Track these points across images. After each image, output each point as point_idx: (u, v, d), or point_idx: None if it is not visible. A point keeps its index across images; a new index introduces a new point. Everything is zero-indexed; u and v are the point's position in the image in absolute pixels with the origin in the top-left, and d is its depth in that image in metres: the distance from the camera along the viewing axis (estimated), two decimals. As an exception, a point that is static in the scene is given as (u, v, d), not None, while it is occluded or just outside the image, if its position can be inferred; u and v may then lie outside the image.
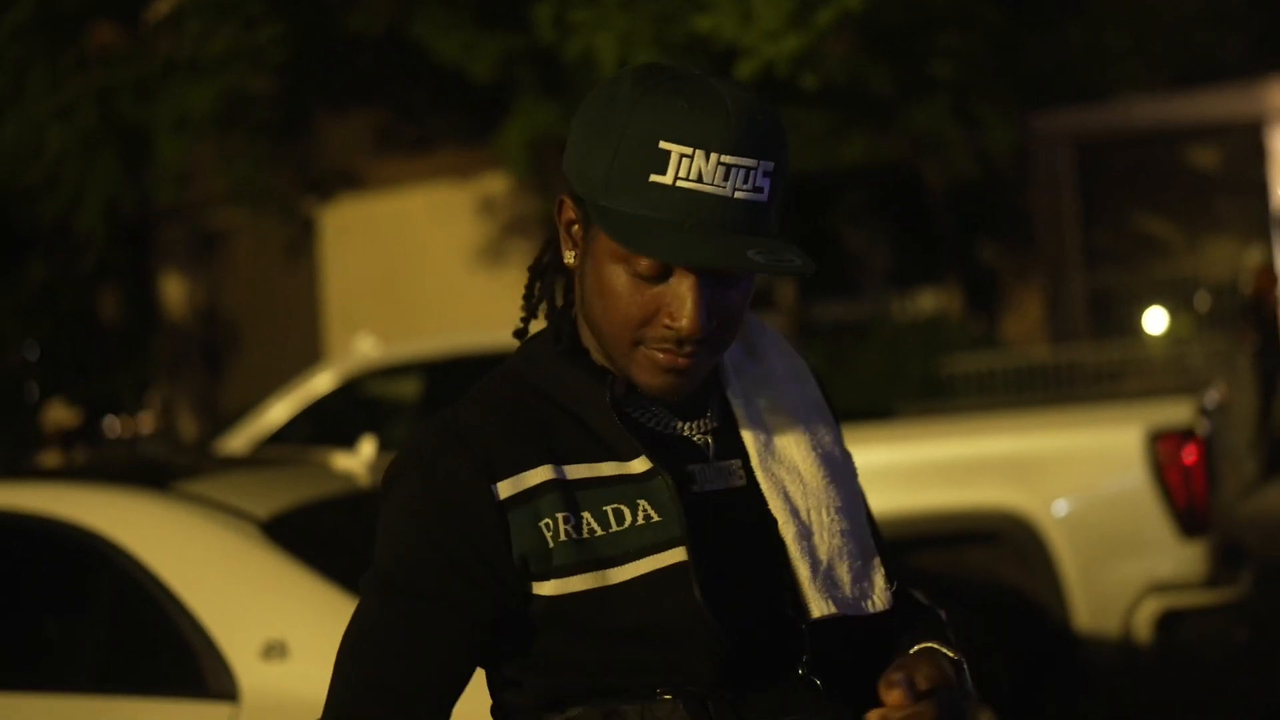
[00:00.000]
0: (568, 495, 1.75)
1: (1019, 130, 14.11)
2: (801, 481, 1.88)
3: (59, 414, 12.20)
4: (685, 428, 1.87)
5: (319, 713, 3.65)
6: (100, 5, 13.51)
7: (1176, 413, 6.47)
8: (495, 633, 1.78)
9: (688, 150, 1.66)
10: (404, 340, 8.27)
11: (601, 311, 1.77)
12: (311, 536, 3.99)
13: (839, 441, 1.98)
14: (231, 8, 12.64)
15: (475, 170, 16.87)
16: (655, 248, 1.67)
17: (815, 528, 1.86)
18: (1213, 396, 7.06)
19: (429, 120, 15.99)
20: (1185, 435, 6.36)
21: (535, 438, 1.78)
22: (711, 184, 1.66)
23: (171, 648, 3.79)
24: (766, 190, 1.70)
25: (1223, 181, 17.48)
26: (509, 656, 1.82)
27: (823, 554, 1.85)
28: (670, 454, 1.81)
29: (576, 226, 1.81)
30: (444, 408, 1.86)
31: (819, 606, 1.81)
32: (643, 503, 1.76)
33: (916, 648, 1.85)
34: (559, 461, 1.77)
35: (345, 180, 15.83)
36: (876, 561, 1.91)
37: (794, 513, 1.85)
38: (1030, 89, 13.44)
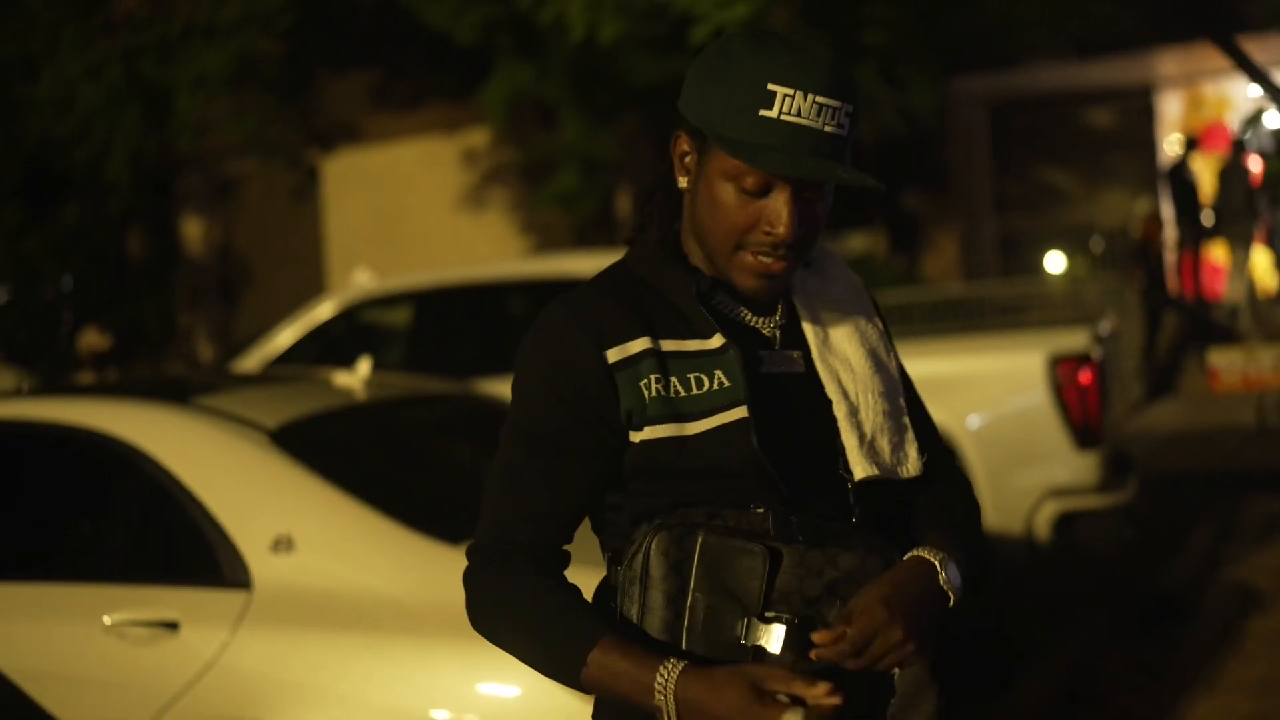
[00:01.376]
0: (660, 362, 1.95)
1: (939, 92, 14.09)
2: (852, 371, 2.06)
3: (93, 339, 12.13)
4: (757, 321, 2.04)
5: (324, 599, 3.65)
6: (126, -27, 13.37)
7: (1074, 340, 6.51)
8: (609, 470, 1.97)
9: (790, 91, 1.84)
10: (396, 273, 8.23)
11: (711, 222, 1.95)
12: (315, 444, 3.97)
13: (884, 339, 2.14)
14: (243, -23, 12.54)
15: (460, 124, 16.79)
16: (770, 161, 1.84)
17: (862, 408, 2.03)
18: (1105, 327, 7.11)
19: (419, 79, 15.91)
20: (1081, 360, 6.40)
21: (637, 317, 1.97)
22: (808, 119, 1.85)
23: (191, 542, 3.77)
24: (847, 127, 1.88)
25: (1116, 139, 17.52)
26: (623, 486, 1.99)
27: (867, 429, 2.03)
28: (743, 338, 1.99)
29: (689, 157, 1.98)
30: (565, 293, 2.03)
31: (863, 469, 1.99)
32: (718, 372, 1.95)
33: (908, 555, 1.98)
34: (655, 336, 1.96)
35: (345, 133, 15.74)
36: (910, 437, 2.08)
37: (844, 395, 2.03)
38: (950, 56, 13.41)
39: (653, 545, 1.90)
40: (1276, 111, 6.58)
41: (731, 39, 1.93)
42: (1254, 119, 6.66)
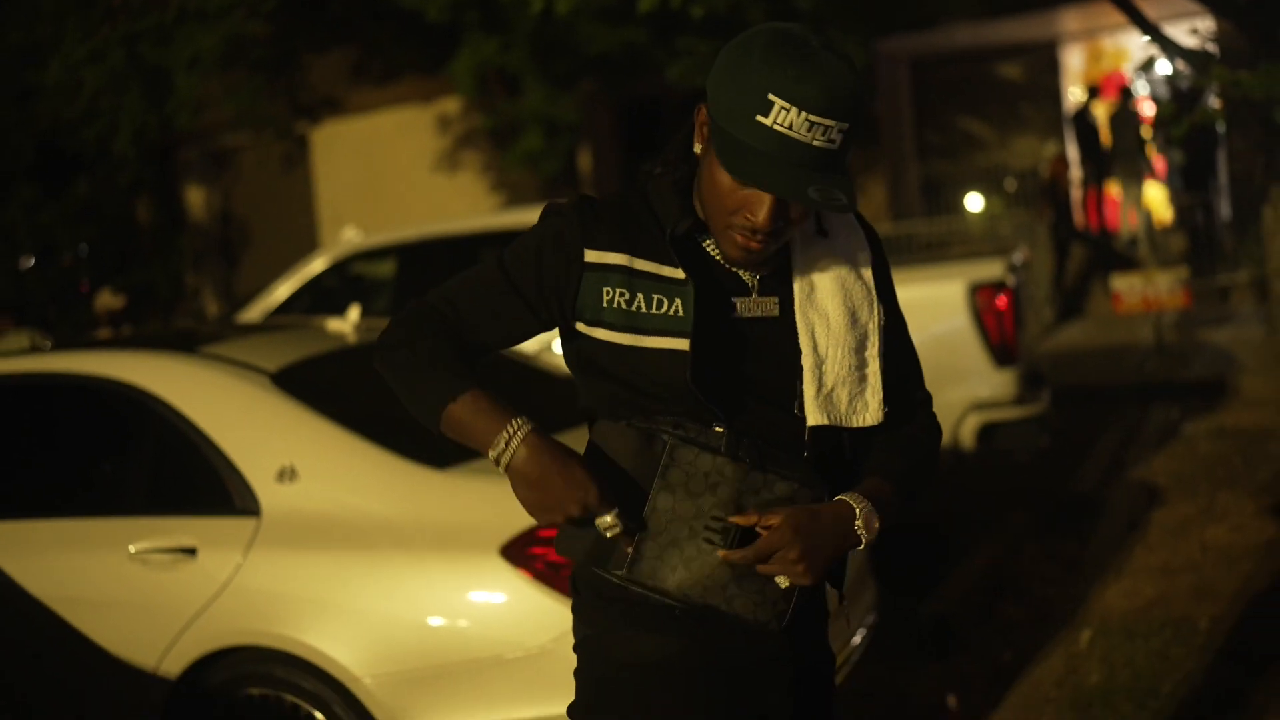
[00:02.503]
0: (630, 279, 2.00)
1: (866, 52, 14.03)
2: (828, 325, 2.05)
3: (107, 300, 12.05)
4: (741, 269, 2.05)
5: (326, 522, 3.65)
6: (122, -35, 13.13)
7: (990, 270, 6.53)
8: (538, 330, 2.07)
9: (786, 105, 1.82)
10: (381, 230, 8.18)
11: (708, 196, 1.97)
12: (312, 384, 3.97)
13: (869, 294, 2.11)
14: (230, -35, 12.34)
15: (433, 94, 16.65)
16: (741, 171, 1.86)
17: (828, 360, 2.04)
18: (1018, 257, 7.12)
19: (394, 55, 15.74)
20: (997, 287, 6.42)
21: (627, 235, 2.03)
22: (797, 133, 1.83)
23: (204, 476, 3.77)
24: (839, 143, 1.86)
25: (1025, 90, 17.50)
26: (583, 371, 2.06)
27: (829, 381, 2.04)
28: (720, 280, 2.04)
29: (706, 129, 1.98)
30: (587, 195, 2.11)
31: (815, 416, 2.02)
32: (678, 300, 1.99)
33: (836, 497, 2.01)
34: (635, 254, 2.01)
35: (329, 105, 15.57)
36: (873, 387, 2.08)
37: (814, 348, 2.04)
38: (875, 19, 13.34)
39: (629, 437, 1.98)
40: (1166, 61, 6.59)
41: (756, 37, 1.90)
42: (1146, 66, 6.67)
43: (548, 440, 1.93)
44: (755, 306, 2.04)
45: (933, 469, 2.19)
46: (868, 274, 2.12)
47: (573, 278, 2.00)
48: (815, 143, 1.83)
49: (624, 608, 2.03)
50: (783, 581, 1.96)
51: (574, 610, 2.13)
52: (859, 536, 1.99)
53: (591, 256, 2.00)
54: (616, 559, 1.95)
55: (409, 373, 2.00)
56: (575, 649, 2.13)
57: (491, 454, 1.93)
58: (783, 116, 1.82)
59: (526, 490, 1.92)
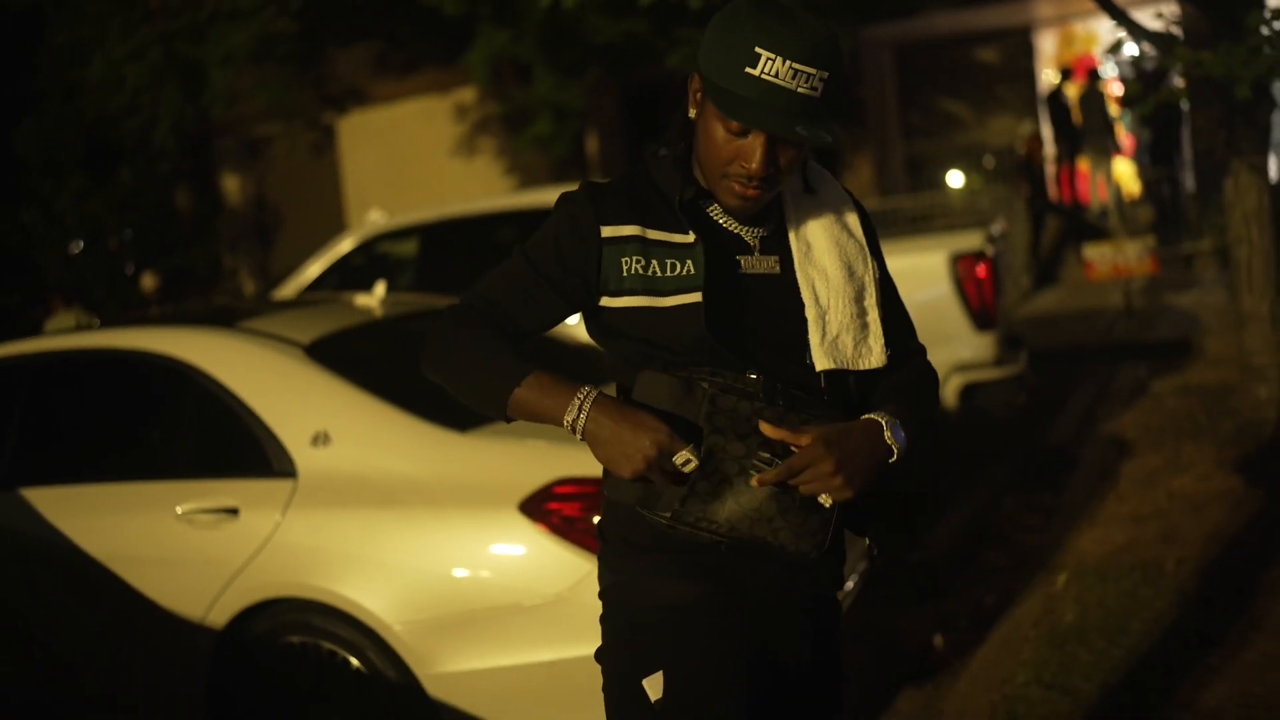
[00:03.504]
0: (644, 247, 2.02)
1: (854, 38, 13.97)
2: (827, 279, 2.08)
3: (148, 282, 12.07)
4: (740, 229, 2.08)
5: (357, 483, 3.66)
6: (159, -32, 13.11)
7: (971, 241, 6.51)
8: (567, 313, 2.07)
9: (772, 55, 1.87)
10: (404, 211, 8.17)
11: (704, 152, 2.01)
12: (342, 354, 3.97)
13: (862, 252, 2.15)
14: (259, -32, 12.31)
15: (451, 84, 16.60)
16: (739, 114, 1.90)
17: (830, 312, 2.07)
18: (997, 229, 7.11)
19: (414, 48, 15.68)
20: (977, 256, 6.41)
21: (636, 208, 2.04)
22: (783, 80, 1.88)
23: (244, 441, 3.79)
24: (820, 91, 1.91)
25: (1002, 73, 17.41)
26: (609, 340, 2.07)
27: (833, 329, 2.06)
28: (724, 242, 2.06)
29: (699, 94, 2.02)
30: (596, 178, 2.17)
31: (823, 361, 2.05)
32: (689, 261, 2.01)
33: (862, 416, 2.03)
34: (646, 226, 2.03)
35: (354, 96, 15.51)
36: (875, 334, 2.10)
37: (816, 300, 2.06)
38: (861, 7, 13.27)
39: (662, 383, 1.98)
40: (1133, 44, 6.55)
41: (742, 4, 1.95)
42: (1114, 49, 6.63)
43: (614, 400, 1.95)
44: (758, 264, 2.07)
45: (936, 405, 2.21)
46: (859, 232, 2.16)
47: (592, 254, 2.01)
48: (800, 89, 1.89)
49: (651, 556, 2.03)
50: (825, 500, 1.95)
51: (600, 558, 2.12)
52: (889, 447, 1.99)
53: (608, 231, 2.01)
54: (665, 502, 1.95)
55: (466, 369, 2.02)
56: (601, 595, 2.11)
57: (566, 421, 1.94)
58: (769, 66, 1.87)
59: (604, 448, 1.93)
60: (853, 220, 2.16)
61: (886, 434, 1.99)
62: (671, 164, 2.09)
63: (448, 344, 2.03)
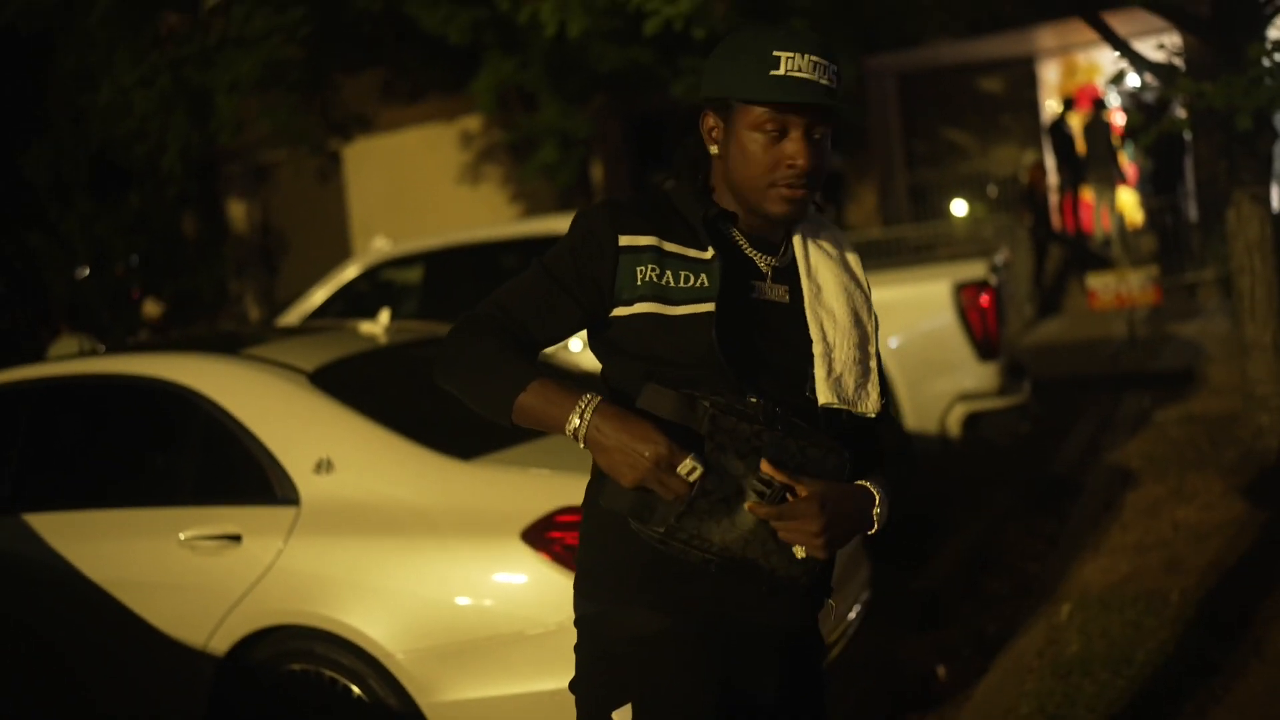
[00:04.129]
0: (660, 257, 2.04)
1: (857, 67, 14.01)
2: (835, 321, 2.12)
3: (150, 308, 12.07)
4: (756, 256, 2.12)
5: (360, 510, 3.66)
6: (168, -3, 13.21)
7: (974, 270, 6.53)
8: (581, 324, 2.08)
9: (791, 54, 1.98)
10: (409, 238, 8.18)
11: (745, 169, 2.04)
12: (346, 381, 3.97)
13: (867, 303, 2.20)
14: (267, -5, 12.40)
15: (456, 112, 16.66)
16: (786, 94, 1.97)
17: (836, 349, 2.10)
18: (1000, 258, 7.12)
19: (420, 75, 15.74)
20: (981, 286, 6.42)
21: (654, 222, 2.07)
22: (807, 73, 1.98)
23: (247, 468, 3.78)
24: (835, 83, 2.01)
25: (1005, 102, 17.47)
26: (613, 356, 2.08)
27: (838, 367, 2.09)
28: (739, 265, 2.09)
29: (716, 129, 2.08)
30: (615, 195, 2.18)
31: (825, 396, 2.07)
32: (703, 275, 2.03)
33: (859, 481, 2.06)
34: (663, 238, 2.05)
35: (359, 123, 15.56)
36: (874, 381, 2.15)
37: (824, 336, 2.09)
38: (865, 37, 13.32)
39: (668, 399, 1.97)
40: (1135, 74, 6.58)
41: (737, 31, 2.06)
42: (1117, 78, 6.65)
43: (617, 407, 1.94)
44: (770, 291, 2.10)
45: (912, 471, 2.25)
46: (865, 284, 2.21)
47: (608, 263, 2.03)
48: (823, 81, 1.99)
49: (625, 585, 2.03)
50: (799, 551, 1.96)
51: (575, 586, 2.12)
52: (873, 522, 2.04)
53: (625, 240, 2.03)
54: (660, 515, 1.94)
55: (473, 375, 2.02)
56: (575, 624, 2.12)
57: (568, 429, 1.93)
58: (791, 63, 1.97)
59: (606, 454, 1.92)
60: (859, 271, 2.21)
61: (877, 509, 2.05)
62: (690, 193, 2.11)
63: (458, 351, 2.03)
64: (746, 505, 1.94)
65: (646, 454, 1.88)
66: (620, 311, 2.03)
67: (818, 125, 2.02)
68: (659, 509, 1.94)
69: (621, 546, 2.02)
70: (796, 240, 2.15)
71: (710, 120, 2.08)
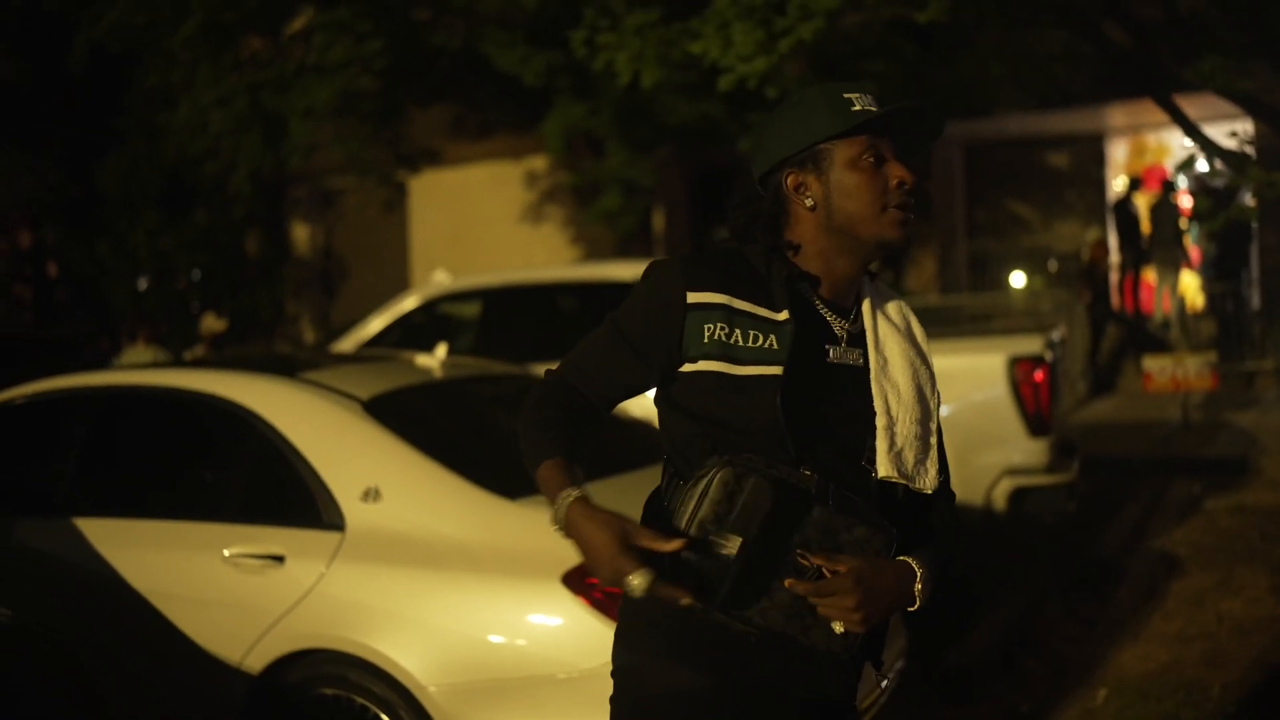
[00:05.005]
0: (730, 316, 2.03)
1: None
2: (899, 396, 2.10)
3: (211, 323, 12.18)
4: (832, 319, 2.12)
5: (404, 541, 3.67)
6: (251, 21, 13.40)
7: (1030, 345, 6.49)
8: (655, 380, 2.10)
9: (856, 95, 2.05)
10: (468, 274, 8.26)
11: (856, 204, 2.06)
12: (400, 412, 4.01)
13: (931, 381, 2.19)
14: (347, 26, 12.57)
15: (524, 151, 16.80)
16: (880, 115, 2.04)
17: (899, 425, 2.08)
18: (1056, 334, 7.08)
19: (490, 113, 15.92)
20: (1036, 361, 6.38)
21: (726, 280, 2.06)
22: (874, 107, 2.04)
23: (296, 490, 3.82)
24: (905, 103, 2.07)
25: (1071, 178, 17.40)
26: (673, 414, 2.09)
27: (899, 442, 2.08)
28: (815, 327, 2.08)
29: (805, 186, 2.09)
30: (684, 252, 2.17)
31: (885, 469, 2.05)
32: (773, 336, 2.02)
33: (901, 557, 2.04)
34: (734, 296, 2.04)
35: (428, 156, 15.72)
36: (933, 458, 2.13)
37: (887, 410, 2.08)
38: (934, 105, 13.35)
39: (718, 476, 1.95)
40: (1203, 158, 6.55)
41: (790, 95, 2.14)
42: (1187, 163, 6.63)
43: (589, 509, 1.94)
44: (845, 355, 2.10)
45: (954, 557, 2.23)
46: (930, 361, 2.21)
47: (676, 320, 2.03)
48: (905, 104, 2.06)
49: (669, 639, 2.03)
50: (837, 627, 1.96)
51: (616, 635, 2.13)
52: (914, 598, 2.02)
53: (694, 298, 2.03)
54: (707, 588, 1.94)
55: (527, 438, 2.07)
56: (613, 674, 2.12)
57: (552, 522, 1.98)
58: (860, 101, 2.04)
59: (580, 551, 1.95)
60: (924, 346, 2.22)
61: (918, 585, 2.03)
62: (766, 251, 2.11)
63: (526, 419, 2.10)
64: (786, 582, 1.94)
65: (601, 564, 1.90)
66: (686, 368, 2.04)
67: (904, 149, 2.10)
68: (706, 581, 1.94)
69: (664, 604, 2.01)
70: (866, 307, 2.15)
71: (794, 178, 2.09)
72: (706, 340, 2.01)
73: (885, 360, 2.12)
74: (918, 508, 2.14)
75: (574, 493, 1.95)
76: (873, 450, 2.06)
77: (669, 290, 2.05)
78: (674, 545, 1.90)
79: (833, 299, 2.12)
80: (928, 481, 2.10)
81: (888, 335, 2.15)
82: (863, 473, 2.05)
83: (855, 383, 2.09)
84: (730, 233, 2.18)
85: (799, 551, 1.94)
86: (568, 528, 1.95)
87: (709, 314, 2.02)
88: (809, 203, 2.08)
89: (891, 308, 2.20)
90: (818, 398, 2.04)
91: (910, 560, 2.04)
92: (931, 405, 2.16)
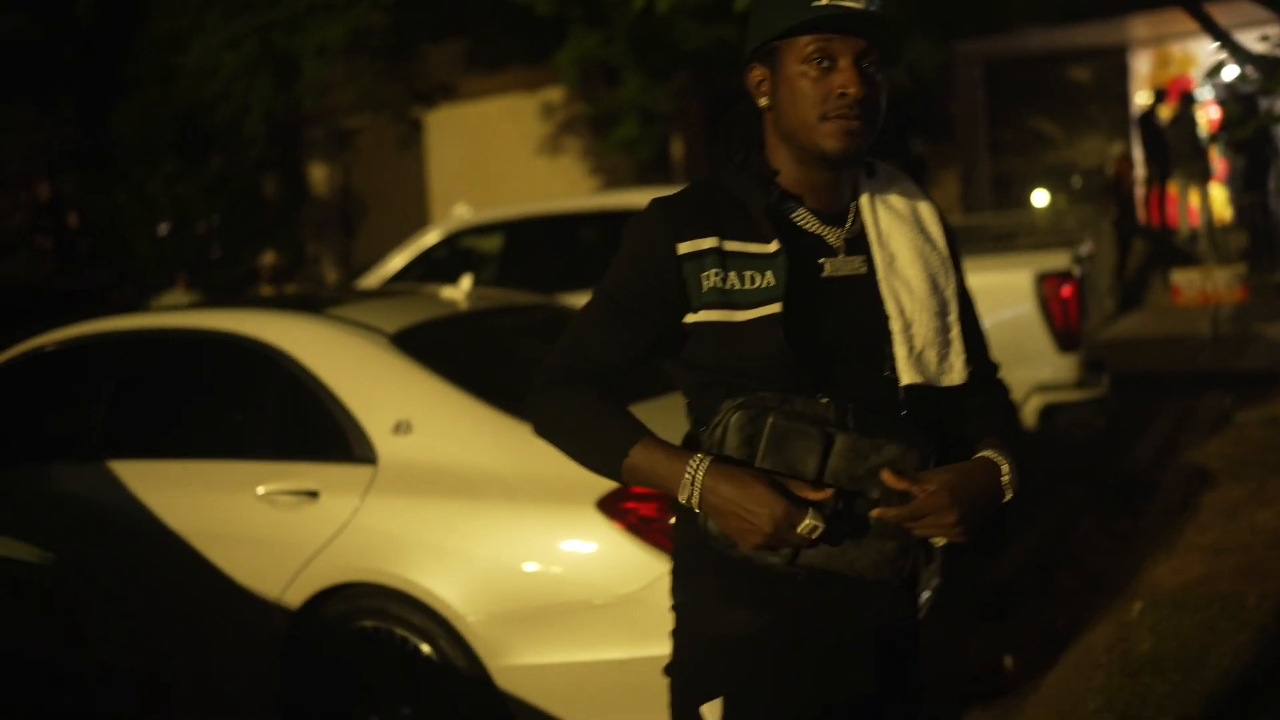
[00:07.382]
0: (722, 259, 1.93)
1: (945, 54, 13.85)
2: (911, 291, 2.01)
3: (270, 259, 12.33)
4: (825, 230, 2.01)
5: (436, 472, 3.69)
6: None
7: (1057, 261, 6.44)
8: (659, 338, 1.98)
9: None
10: (489, 207, 8.23)
11: (796, 109, 1.93)
12: (427, 345, 4.01)
13: (945, 263, 2.08)
14: (357, -39, 12.51)
15: (539, 83, 16.69)
16: (820, 13, 1.87)
17: (915, 324, 1.99)
18: (1083, 250, 7.02)
19: (504, 46, 15.79)
20: (1063, 277, 6.34)
21: (712, 220, 1.96)
22: (857, 4, 1.87)
23: (327, 426, 3.84)
24: (879, 9, 1.89)
25: (1094, 92, 17.20)
26: (683, 366, 2.00)
27: (918, 343, 1.98)
28: (807, 246, 1.98)
29: (764, 82, 1.99)
30: (664, 193, 2.05)
31: (908, 375, 1.96)
32: (769, 272, 1.92)
33: (978, 454, 2.00)
34: (723, 237, 1.94)
35: (442, 92, 15.64)
36: (957, 350, 2.03)
37: (901, 311, 1.99)
38: (953, 23, 13.16)
39: (731, 420, 1.89)
40: (1235, 66, 6.45)
41: None
42: (1214, 70, 6.52)
43: (725, 469, 1.86)
44: (844, 265, 1.99)
45: (1019, 427, 2.18)
46: (942, 245, 2.09)
47: (671, 273, 1.93)
48: (871, 7, 1.87)
49: (722, 579, 1.98)
50: (938, 542, 1.94)
51: (673, 571, 2.08)
52: (1005, 490, 1.98)
53: (684, 248, 1.93)
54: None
55: (577, 436, 1.97)
56: (673, 609, 2.07)
57: (681, 498, 1.87)
58: None
59: (723, 520, 1.86)
60: (936, 231, 2.09)
61: (1005, 477, 1.98)
62: (749, 173, 2.01)
63: (553, 409, 1.98)
64: (873, 513, 1.89)
65: (764, 519, 1.82)
66: (689, 319, 1.95)
67: (868, 55, 1.91)
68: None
69: (717, 548, 1.95)
70: (864, 202, 2.04)
71: (757, 73, 1.99)
72: (705, 290, 1.92)
73: (892, 256, 2.01)
74: (959, 396, 2.06)
75: (704, 459, 1.87)
76: (893, 359, 1.97)
77: (657, 246, 1.94)
78: (826, 495, 1.84)
79: (821, 209, 2.02)
80: (954, 376, 2.01)
81: (891, 228, 2.04)
82: (888, 384, 1.97)
83: (862, 291, 1.99)
84: (720, 153, 2.09)
85: (883, 477, 1.89)
86: (709, 494, 1.85)
87: (702, 261, 1.92)
88: (764, 101, 2.00)
89: (894, 196, 2.08)
90: (824, 321, 1.95)
91: (989, 454, 1.98)
92: (949, 293, 2.05)
